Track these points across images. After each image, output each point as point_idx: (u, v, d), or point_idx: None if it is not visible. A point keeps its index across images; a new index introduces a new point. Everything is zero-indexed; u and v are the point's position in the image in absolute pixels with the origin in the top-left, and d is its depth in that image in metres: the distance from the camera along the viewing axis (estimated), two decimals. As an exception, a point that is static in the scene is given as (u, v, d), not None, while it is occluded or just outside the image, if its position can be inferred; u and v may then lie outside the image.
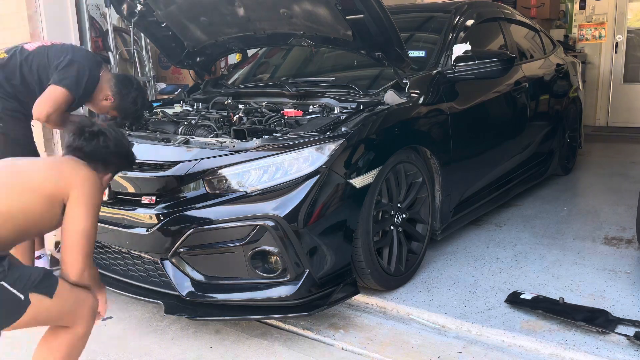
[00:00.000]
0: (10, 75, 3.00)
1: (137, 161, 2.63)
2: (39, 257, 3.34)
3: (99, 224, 2.07)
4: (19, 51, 3.05)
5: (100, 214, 2.04)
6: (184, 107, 3.57)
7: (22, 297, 1.73)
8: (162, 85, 5.35)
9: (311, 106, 3.03)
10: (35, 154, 3.24)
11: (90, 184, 1.92)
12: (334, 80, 3.29)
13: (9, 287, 1.71)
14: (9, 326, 1.77)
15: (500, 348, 2.49)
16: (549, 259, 3.33)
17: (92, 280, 1.94)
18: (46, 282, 1.80)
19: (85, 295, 1.92)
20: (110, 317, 2.87)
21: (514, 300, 2.78)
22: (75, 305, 1.89)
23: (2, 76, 2.99)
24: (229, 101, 3.40)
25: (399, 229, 2.96)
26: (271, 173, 2.47)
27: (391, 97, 2.95)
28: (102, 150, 2.05)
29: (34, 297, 1.76)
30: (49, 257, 3.43)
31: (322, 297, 2.53)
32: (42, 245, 3.39)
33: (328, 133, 2.59)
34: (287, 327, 2.74)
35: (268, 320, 2.76)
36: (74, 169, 1.93)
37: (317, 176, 2.47)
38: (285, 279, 2.45)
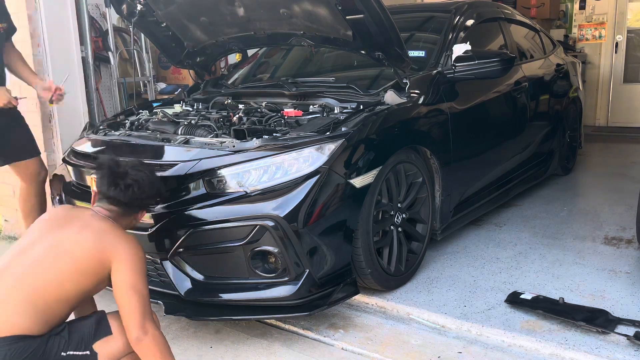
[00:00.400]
0: None
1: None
2: None
3: None
4: None
5: None
6: (184, 107, 3.57)
7: (88, 352, 1.85)
8: (162, 85, 5.35)
9: (311, 106, 3.02)
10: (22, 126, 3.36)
11: (134, 254, 1.94)
12: (334, 80, 3.29)
13: (75, 352, 1.83)
14: None
15: (500, 348, 2.49)
16: (549, 259, 3.33)
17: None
18: (100, 329, 1.90)
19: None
20: None
21: (514, 300, 2.78)
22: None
23: None
24: (229, 101, 3.40)
25: (399, 229, 2.96)
26: (271, 173, 2.47)
27: (391, 97, 2.95)
28: (138, 198, 2.10)
29: (98, 346, 1.87)
30: None
31: (322, 297, 2.52)
32: None
33: (328, 133, 2.59)
34: (287, 327, 2.74)
35: (268, 320, 2.76)
36: (115, 242, 1.94)
37: (317, 176, 2.46)
38: (285, 279, 2.45)
